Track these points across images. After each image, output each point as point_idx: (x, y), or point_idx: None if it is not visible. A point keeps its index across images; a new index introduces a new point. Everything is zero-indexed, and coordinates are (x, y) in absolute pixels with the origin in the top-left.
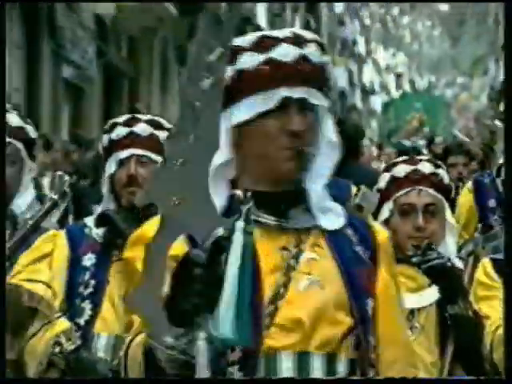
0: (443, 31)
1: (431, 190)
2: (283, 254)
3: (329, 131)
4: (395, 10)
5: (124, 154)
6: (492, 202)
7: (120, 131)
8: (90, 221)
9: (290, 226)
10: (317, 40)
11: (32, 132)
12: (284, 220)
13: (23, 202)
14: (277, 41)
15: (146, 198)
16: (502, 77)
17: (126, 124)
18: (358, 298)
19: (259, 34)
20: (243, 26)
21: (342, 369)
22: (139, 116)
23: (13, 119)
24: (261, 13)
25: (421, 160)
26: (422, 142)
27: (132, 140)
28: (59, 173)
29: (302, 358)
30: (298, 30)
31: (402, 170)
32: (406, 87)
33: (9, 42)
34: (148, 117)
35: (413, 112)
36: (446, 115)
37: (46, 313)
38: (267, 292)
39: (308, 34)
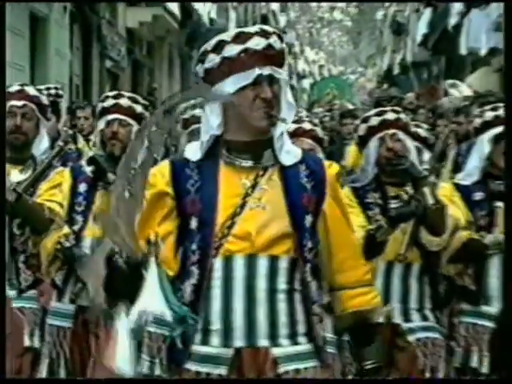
0: (348, 38)
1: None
2: (244, 184)
3: (288, 96)
4: (318, 24)
5: (111, 117)
6: None
7: (109, 102)
8: (84, 162)
9: (252, 165)
10: (276, 32)
11: (45, 100)
12: (253, 160)
13: (41, 147)
14: (250, 35)
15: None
16: (384, 67)
17: (114, 97)
18: (297, 214)
19: (237, 30)
20: None
21: (284, 264)
22: (123, 93)
23: (29, 89)
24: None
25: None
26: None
27: (117, 108)
28: (65, 128)
29: (251, 259)
30: (263, 26)
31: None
32: (325, 74)
33: (71, 45)
34: (130, 94)
35: (328, 90)
36: (349, 92)
37: (58, 222)
38: (226, 211)
39: (270, 29)
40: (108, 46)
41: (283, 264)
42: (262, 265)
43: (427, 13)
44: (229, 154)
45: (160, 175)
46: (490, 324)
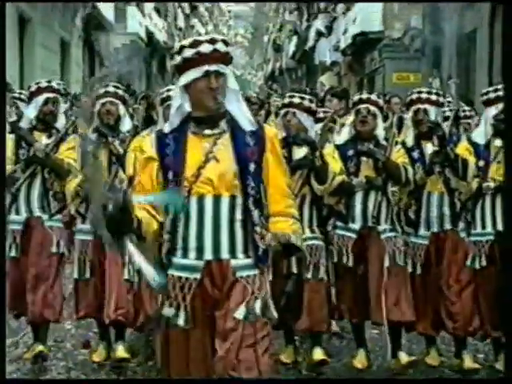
0: (246, 52)
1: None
2: (205, 146)
3: (231, 83)
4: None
5: (103, 100)
6: None
7: (101, 90)
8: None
9: (211, 133)
10: (223, 39)
11: (62, 91)
12: (210, 129)
13: (61, 122)
14: (201, 42)
15: None
16: (269, 71)
17: (103, 86)
18: (242, 163)
19: (194, 38)
20: None
21: (240, 201)
22: (109, 82)
23: (53, 84)
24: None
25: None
26: None
27: (107, 93)
28: (75, 108)
29: (216, 198)
30: (213, 34)
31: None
32: None
33: (83, 59)
34: (113, 83)
35: None
36: (248, 86)
37: (74, 172)
38: (193, 166)
39: (218, 37)
40: (103, 57)
41: (239, 201)
42: (224, 202)
43: (294, 38)
44: (195, 126)
45: (149, 144)
46: (352, 235)
